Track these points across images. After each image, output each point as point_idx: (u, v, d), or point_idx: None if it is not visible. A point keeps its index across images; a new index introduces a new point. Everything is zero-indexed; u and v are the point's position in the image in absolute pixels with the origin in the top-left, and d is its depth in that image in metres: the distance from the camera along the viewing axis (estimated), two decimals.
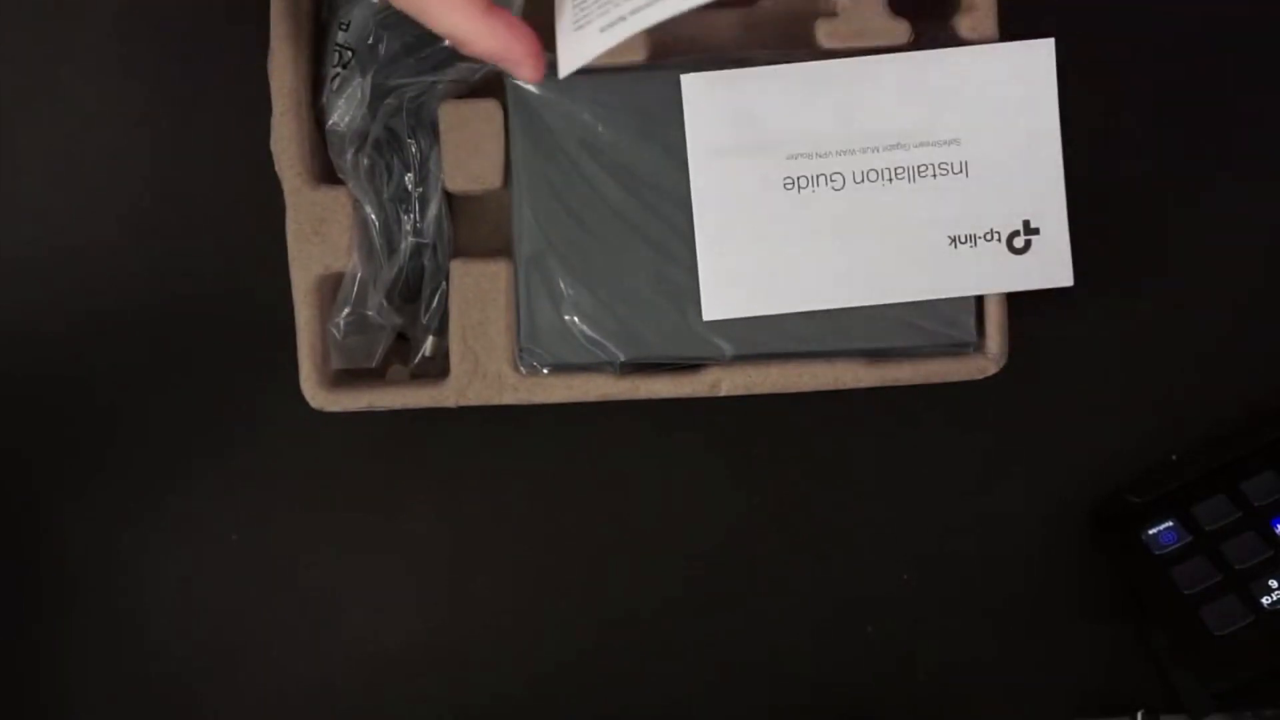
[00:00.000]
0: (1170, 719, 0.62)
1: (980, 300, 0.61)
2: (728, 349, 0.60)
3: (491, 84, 0.61)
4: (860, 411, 0.64)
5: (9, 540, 0.65)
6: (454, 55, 0.60)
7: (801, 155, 0.59)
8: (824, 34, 0.60)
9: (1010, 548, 0.65)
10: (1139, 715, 0.63)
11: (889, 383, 0.61)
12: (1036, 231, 0.59)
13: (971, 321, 0.60)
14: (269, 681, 0.65)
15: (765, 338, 0.60)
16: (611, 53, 0.59)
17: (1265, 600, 0.60)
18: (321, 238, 0.61)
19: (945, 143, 0.59)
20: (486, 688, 0.65)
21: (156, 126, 0.66)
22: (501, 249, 0.62)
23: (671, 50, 0.61)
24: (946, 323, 0.60)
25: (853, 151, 0.59)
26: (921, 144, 0.59)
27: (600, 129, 0.60)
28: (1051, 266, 0.59)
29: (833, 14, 0.60)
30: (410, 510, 0.66)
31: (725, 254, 0.59)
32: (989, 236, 0.59)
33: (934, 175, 0.59)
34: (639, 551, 0.65)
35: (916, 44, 0.60)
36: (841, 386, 0.61)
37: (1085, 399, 0.65)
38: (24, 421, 0.66)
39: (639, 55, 0.60)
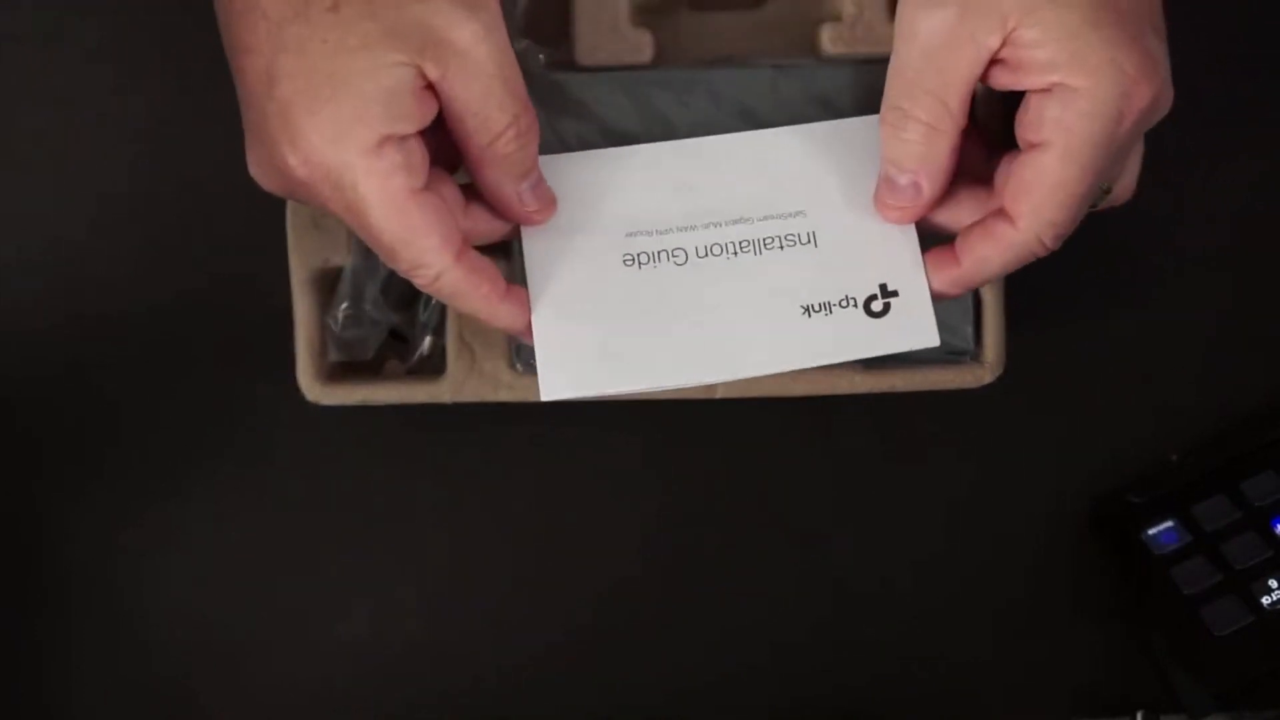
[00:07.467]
0: (1170, 719, 0.63)
1: (978, 309, 0.61)
2: None
3: None
4: (860, 412, 0.64)
5: (9, 540, 0.65)
6: None
7: (640, 233, 0.56)
8: (828, 39, 0.60)
9: (1010, 548, 0.65)
10: (1139, 715, 0.63)
11: (885, 389, 0.61)
12: (895, 294, 0.56)
13: (970, 330, 0.61)
14: (269, 681, 0.65)
15: None
16: (617, 54, 0.59)
17: (1265, 600, 0.61)
18: (321, 230, 0.61)
19: (790, 215, 0.57)
20: (486, 687, 0.65)
21: (156, 126, 0.66)
22: (501, 246, 0.62)
23: (677, 53, 0.61)
24: (945, 330, 0.60)
25: (694, 228, 0.56)
26: (766, 217, 0.57)
27: (604, 130, 0.60)
28: (914, 327, 0.56)
29: (838, 19, 0.60)
30: (410, 510, 0.66)
31: (563, 331, 0.55)
32: (844, 303, 0.56)
33: (781, 247, 0.56)
34: (639, 551, 0.65)
35: None
36: (838, 392, 0.61)
37: (1085, 399, 0.65)
38: (24, 421, 0.65)
39: (645, 57, 0.60)
